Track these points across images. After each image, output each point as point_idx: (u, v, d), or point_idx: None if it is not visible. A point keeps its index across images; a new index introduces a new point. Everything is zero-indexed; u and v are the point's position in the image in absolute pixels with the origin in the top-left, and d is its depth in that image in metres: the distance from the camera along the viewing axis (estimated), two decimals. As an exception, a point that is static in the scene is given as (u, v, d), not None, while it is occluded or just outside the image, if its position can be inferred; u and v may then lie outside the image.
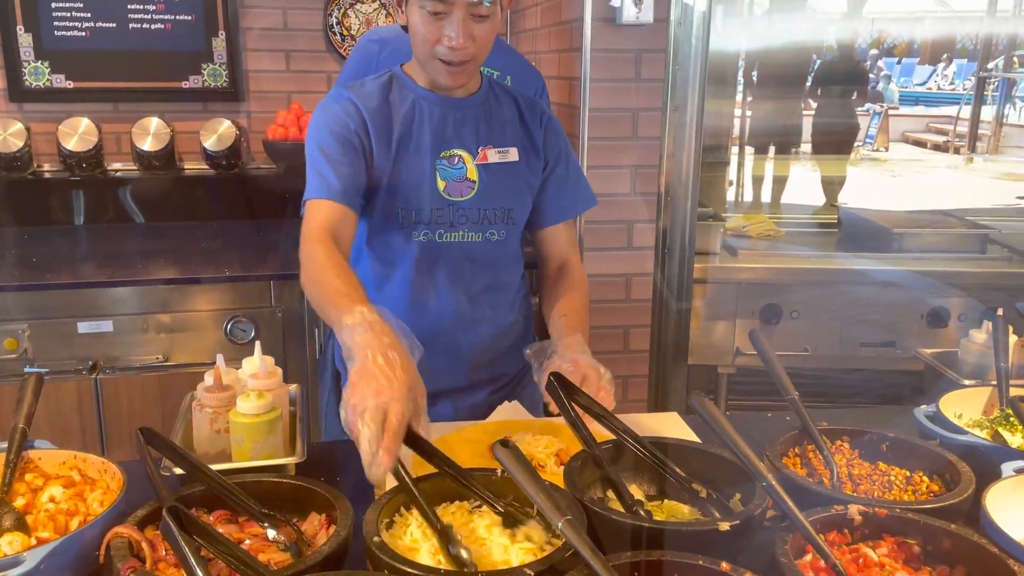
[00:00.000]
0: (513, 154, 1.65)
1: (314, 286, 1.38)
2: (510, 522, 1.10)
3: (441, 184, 1.59)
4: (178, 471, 1.20)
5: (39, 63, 3.20)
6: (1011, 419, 1.45)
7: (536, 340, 1.80)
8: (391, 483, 1.13)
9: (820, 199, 6.10)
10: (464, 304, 1.65)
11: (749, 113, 5.57)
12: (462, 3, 1.43)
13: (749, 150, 5.58)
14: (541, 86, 2.15)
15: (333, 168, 1.50)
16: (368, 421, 1.08)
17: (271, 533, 1.10)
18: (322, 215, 1.49)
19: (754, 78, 5.69)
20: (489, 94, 1.67)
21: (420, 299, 1.64)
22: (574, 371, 1.40)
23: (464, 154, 1.61)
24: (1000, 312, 1.63)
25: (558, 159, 1.73)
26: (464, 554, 1.01)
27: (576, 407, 1.30)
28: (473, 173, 1.61)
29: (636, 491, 1.24)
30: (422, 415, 1.16)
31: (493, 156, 1.63)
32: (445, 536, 1.03)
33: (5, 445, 1.23)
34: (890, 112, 12.79)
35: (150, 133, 3.23)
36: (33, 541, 1.08)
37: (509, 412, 1.62)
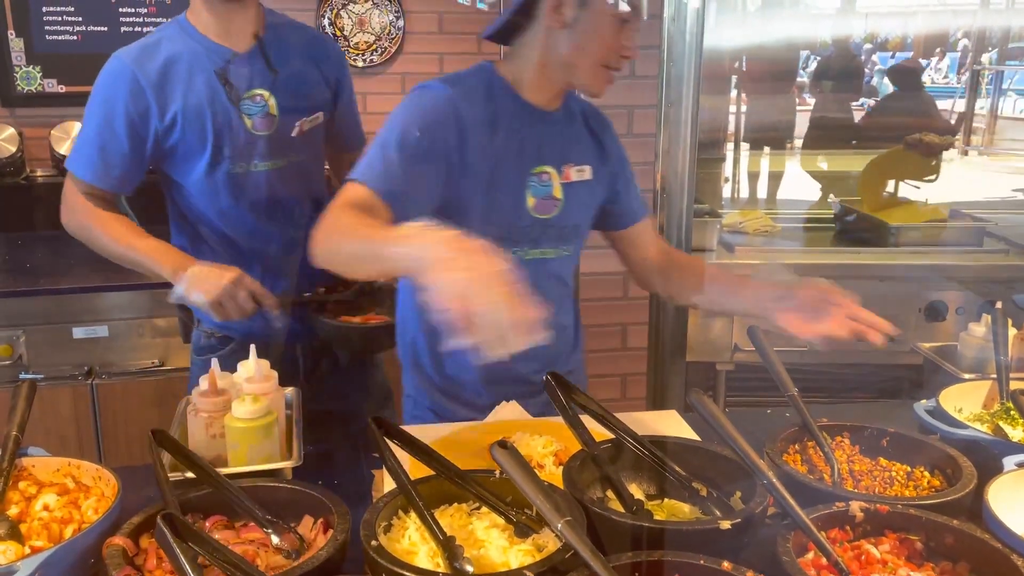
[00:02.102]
0: (588, 172, 1.62)
1: (340, 234, 1.29)
2: (522, 532, 1.09)
3: (531, 201, 1.55)
4: (173, 476, 1.19)
5: (30, 67, 3.19)
6: (1012, 412, 1.45)
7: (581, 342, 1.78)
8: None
9: (816, 194, 6.10)
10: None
11: (744, 109, 5.57)
12: (645, 10, 1.44)
13: (744, 146, 5.58)
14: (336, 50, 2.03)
15: (403, 167, 1.41)
16: (495, 298, 1.01)
17: (275, 539, 1.09)
18: (358, 197, 1.38)
19: (746, 73, 5.68)
20: (565, 109, 1.62)
21: None
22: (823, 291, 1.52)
23: (552, 171, 1.57)
24: (999, 305, 1.62)
25: (622, 162, 1.72)
26: (469, 568, 0.99)
27: (575, 406, 1.30)
28: (559, 191, 1.58)
29: (636, 491, 1.24)
30: None
31: (573, 174, 1.60)
32: (448, 549, 1.02)
33: (-1, 453, 1.22)
34: (885, 106, 12.77)
35: (143, 137, 3.21)
36: (27, 550, 1.07)
37: (507, 412, 1.61)
